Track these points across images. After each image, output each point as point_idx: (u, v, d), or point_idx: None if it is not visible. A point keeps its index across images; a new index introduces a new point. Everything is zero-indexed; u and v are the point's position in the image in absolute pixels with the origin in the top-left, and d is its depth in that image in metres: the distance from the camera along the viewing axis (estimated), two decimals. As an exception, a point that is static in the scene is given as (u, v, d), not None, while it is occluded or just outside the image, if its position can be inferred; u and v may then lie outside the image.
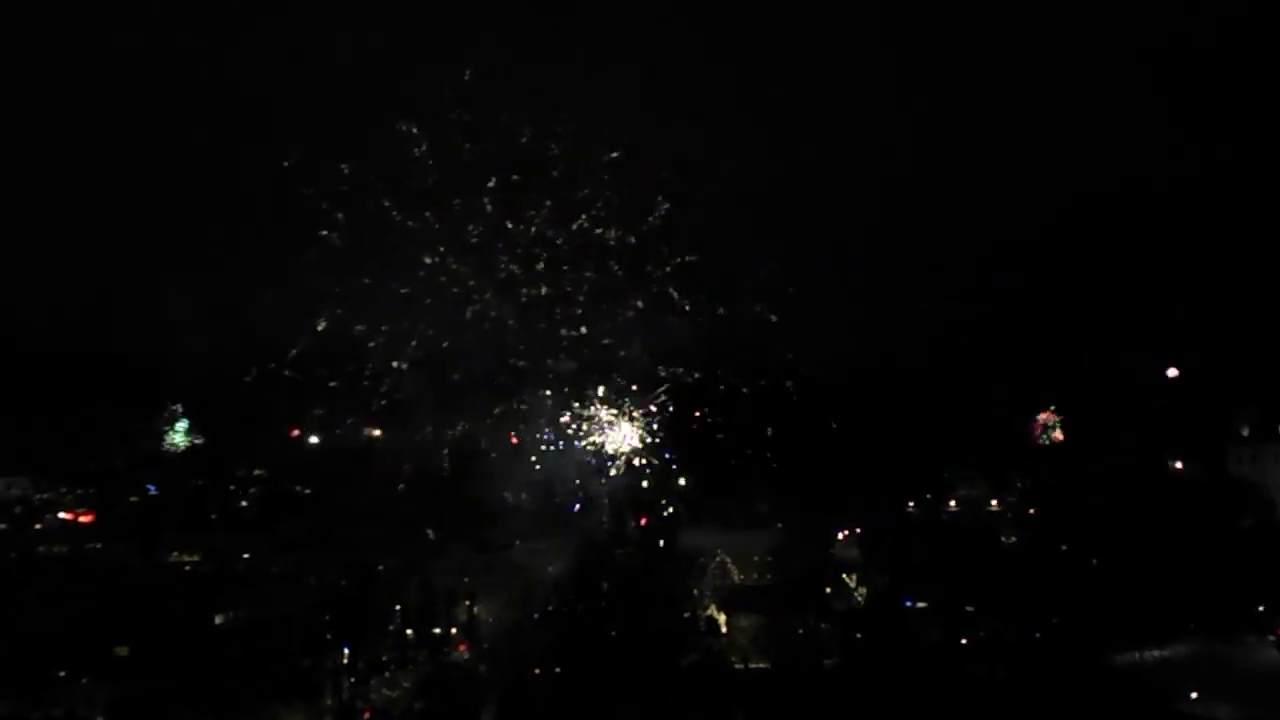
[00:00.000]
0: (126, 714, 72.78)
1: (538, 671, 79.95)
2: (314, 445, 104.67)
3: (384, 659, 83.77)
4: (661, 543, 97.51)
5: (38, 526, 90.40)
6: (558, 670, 79.71)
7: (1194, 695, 71.21)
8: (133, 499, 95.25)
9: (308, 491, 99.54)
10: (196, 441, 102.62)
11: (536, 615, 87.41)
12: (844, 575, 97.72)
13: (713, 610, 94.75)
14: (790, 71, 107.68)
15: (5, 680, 73.15)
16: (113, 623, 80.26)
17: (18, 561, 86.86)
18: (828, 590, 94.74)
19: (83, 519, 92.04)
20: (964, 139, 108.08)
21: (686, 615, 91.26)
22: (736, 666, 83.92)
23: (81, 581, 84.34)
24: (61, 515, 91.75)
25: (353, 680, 79.82)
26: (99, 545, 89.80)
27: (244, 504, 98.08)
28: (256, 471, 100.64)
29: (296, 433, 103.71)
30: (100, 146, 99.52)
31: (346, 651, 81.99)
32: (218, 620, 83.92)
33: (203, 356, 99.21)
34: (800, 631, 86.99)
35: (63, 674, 75.29)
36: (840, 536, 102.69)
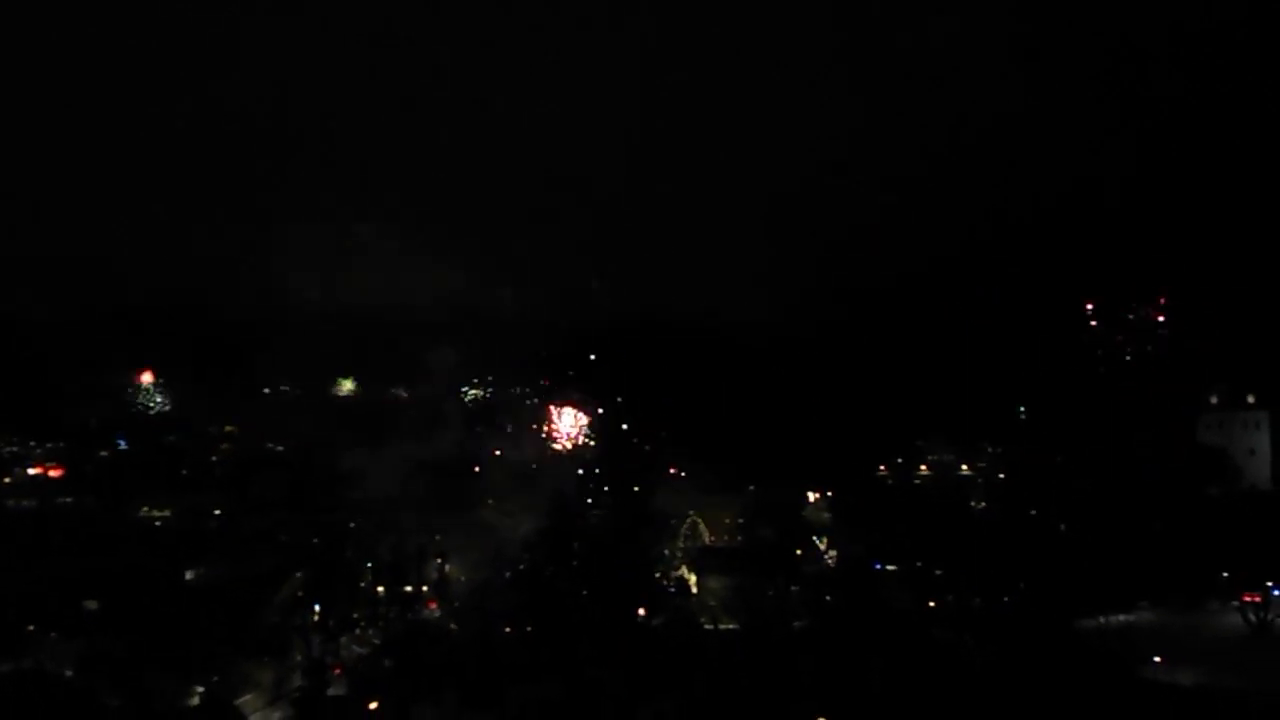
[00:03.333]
0: (96, 669, 72.45)
1: (508, 630, 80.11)
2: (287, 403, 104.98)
3: (354, 616, 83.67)
4: (632, 504, 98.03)
5: (6, 480, 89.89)
6: (528, 629, 79.89)
7: (1158, 660, 71.73)
8: (103, 454, 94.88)
9: (279, 449, 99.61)
10: (167, 400, 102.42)
11: (508, 574, 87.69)
12: (814, 538, 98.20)
13: (683, 571, 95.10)
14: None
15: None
16: (82, 578, 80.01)
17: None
18: (798, 553, 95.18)
19: (52, 473, 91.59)
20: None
21: (657, 576, 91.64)
22: (706, 627, 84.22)
23: (51, 536, 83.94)
24: (30, 470, 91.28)
25: (323, 638, 79.67)
26: (69, 500, 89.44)
27: (215, 459, 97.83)
28: (228, 428, 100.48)
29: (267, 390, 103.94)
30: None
31: (317, 609, 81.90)
32: (188, 576, 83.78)
33: (175, 314, 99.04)
34: (770, 594, 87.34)
35: (31, 628, 74.93)
36: (811, 499, 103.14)
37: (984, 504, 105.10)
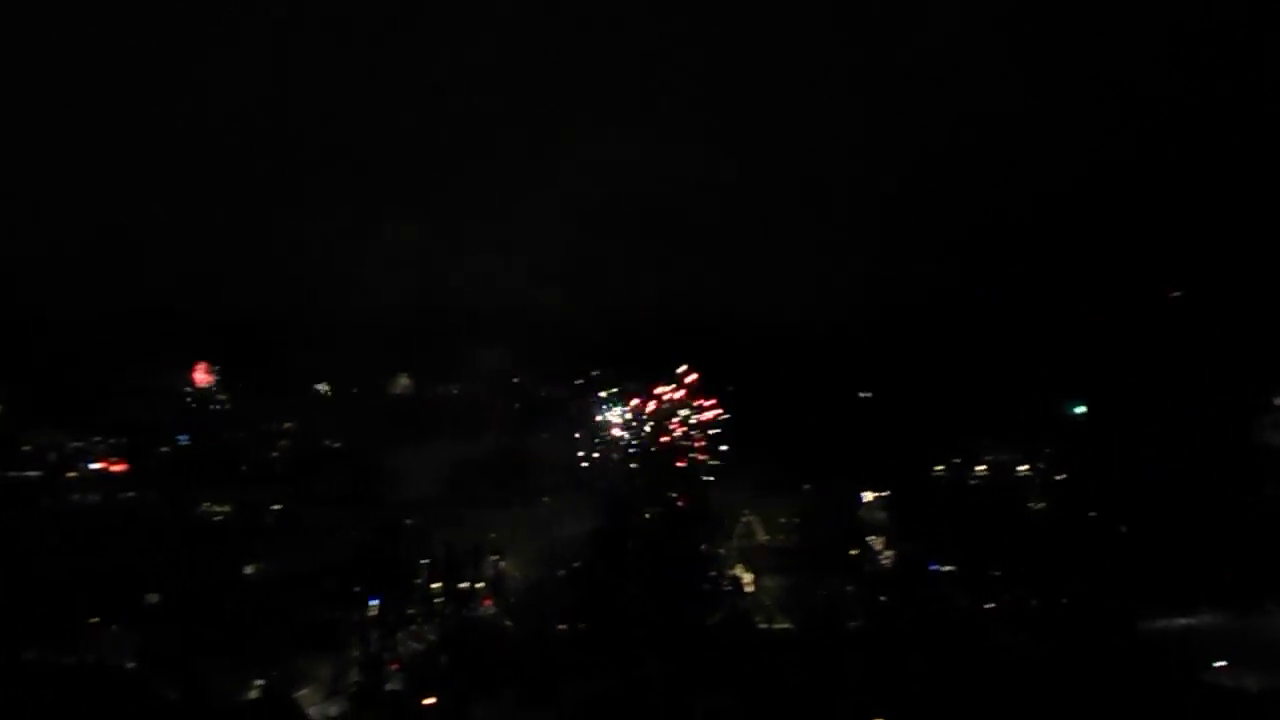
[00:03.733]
0: (156, 661, 73.45)
1: (563, 627, 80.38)
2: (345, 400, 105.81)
3: (410, 612, 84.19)
4: (688, 503, 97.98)
5: (70, 475, 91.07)
6: (583, 626, 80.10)
7: (1221, 664, 70.73)
8: (164, 450, 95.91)
9: (336, 446, 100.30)
10: (227, 397, 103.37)
11: (562, 572, 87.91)
12: (870, 538, 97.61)
13: (738, 570, 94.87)
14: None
15: (39, 626, 73.95)
16: (144, 571, 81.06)
17: (51, 509, 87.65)
18: (854, 553, 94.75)
19: (115, 468, 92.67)
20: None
21: (712, 574, 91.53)
22: (761, 626, 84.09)
23: (113, 530, 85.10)
24: (93, 465, 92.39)
25: (379, 633, 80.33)
26: (131, 495, 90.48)
27: (273, 456, 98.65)
28: (286, 425, 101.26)
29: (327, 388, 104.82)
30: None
31: (374, 604, 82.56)
32: (247, 571, 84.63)
33: (237, 312, 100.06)
34: (825, 593, 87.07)
35: (95, 620, 75.98)
36: (867, 499, 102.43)
37: (1042, 504, 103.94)
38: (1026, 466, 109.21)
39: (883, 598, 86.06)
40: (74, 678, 71.18)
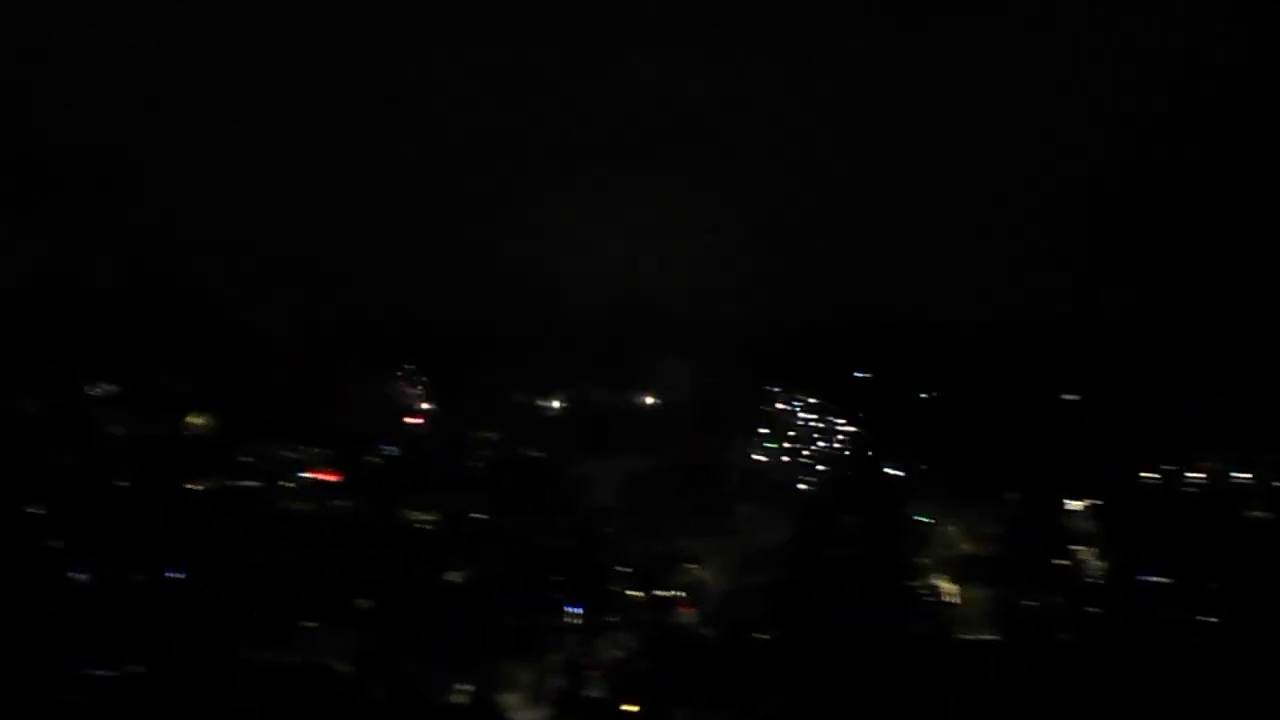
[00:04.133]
0: (367, 663, 76.09)
1: (763, 636, 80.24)
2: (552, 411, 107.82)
3: (610, 619, 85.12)
4: (885, 511, 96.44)
5: (286, 485, 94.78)
6: (782, 635, 79.82)
7: None
8: (372, 459, 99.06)
9: (535, 455, 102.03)
10: (429, 406, 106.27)
11: (760, 580, 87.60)
12: (1078, 548, 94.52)
13: (939, 580, 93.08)
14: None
15: (259, 630, 77.28)
16: (354, 577, 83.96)
17: (267, 517, 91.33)
18: (1061, 563, 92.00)
19: (327, 478, 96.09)
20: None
21: (912, 585, 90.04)
22: (965, 638, 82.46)
23: (325, 537, 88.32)
24: (306, 475, 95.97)
25: (579, 640, 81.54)
26: (341, 503, 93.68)
27: (477, 465, 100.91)
28: (485, 434, 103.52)
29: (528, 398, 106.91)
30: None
31: (573, 611, 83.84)
32: (451, 577, 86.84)
33: (438, 322, 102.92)
34: (1032, 605, 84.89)
35: (310, 624, 79.07)
36: (1075, 507, 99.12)
37: (1260, 513, 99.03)
38: (1248, 474, 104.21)
39: (1092, 609, 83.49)
40: (292, 678, 74.37)
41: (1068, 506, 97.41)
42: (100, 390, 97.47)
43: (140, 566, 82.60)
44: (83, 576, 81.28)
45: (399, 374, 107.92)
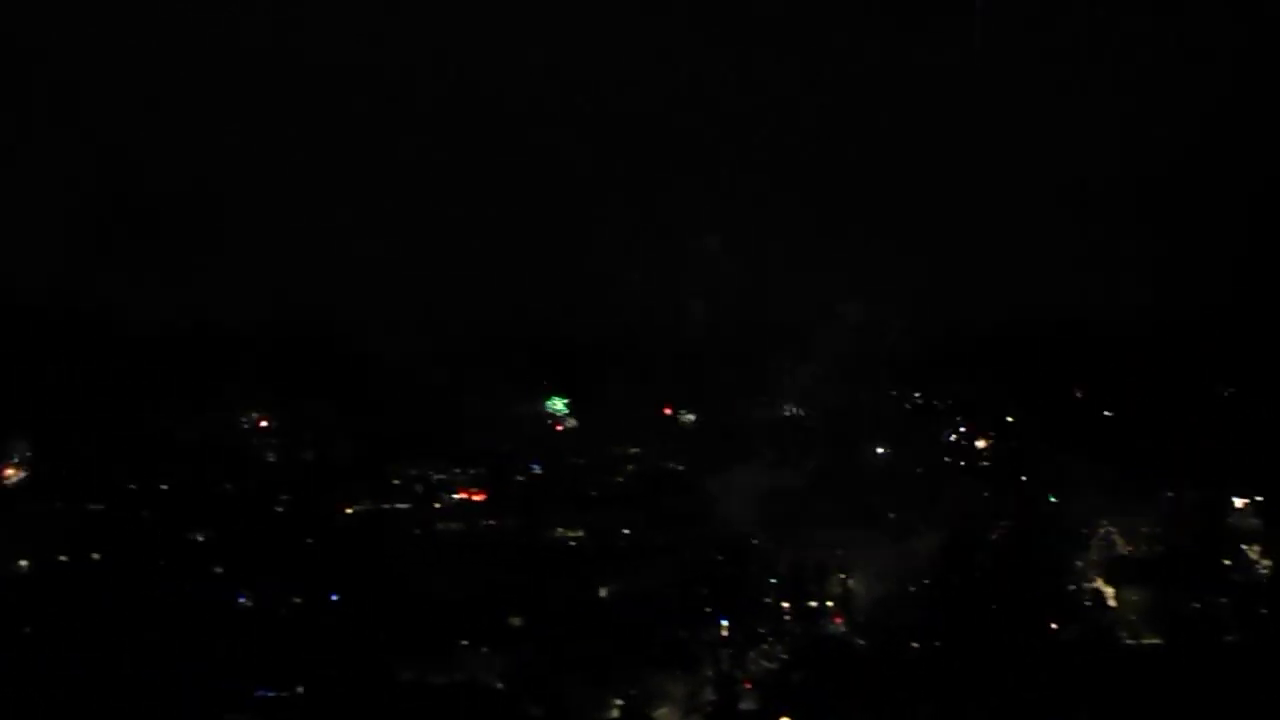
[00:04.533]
0: (520, 681, 77.15)
1: (915, 645, 79.31)
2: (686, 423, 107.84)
3: (760, 631, 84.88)
4: (1040, 514, 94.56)
5: (436, 505, 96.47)
6: (935, 644, 78.80)
7: None
8: (519, 478, 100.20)
9: (679, 468, 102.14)
10: (574, 423, 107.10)
11: (912, 589, 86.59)
12: (1244, 546, 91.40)
13: (1098, 583, 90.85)
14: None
15: (414, 648, 78.90)
16: (506, 595, 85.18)
17: (420, 538, 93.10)
18: (1225, 563, 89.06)
19: (475, 497, 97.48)
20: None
21: (1070, 589, 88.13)
22: (1125, 642, 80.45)
23: (477, 557, 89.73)
24: (456, 495, 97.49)
25: (730, 652, 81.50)
26: (491, 522, 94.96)
27: (620, 480, 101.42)
28: (632, 450, 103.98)
29: (669, 411, 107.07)
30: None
31: (724, 624, 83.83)
32: (601, 593, 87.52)
33: (576, 337, 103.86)
34: (1196, 606, 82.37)
35: (465, 643, 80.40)
36: (1239, 504, 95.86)
37: None
38: None
39: (1262, 610, 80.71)
40: (448, 697, 75.83)
41: (1231, 504, 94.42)
42: (251, 421, 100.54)
43: (299, 589, 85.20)
44: (246, 600, 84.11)
45: (540, 391, 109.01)
